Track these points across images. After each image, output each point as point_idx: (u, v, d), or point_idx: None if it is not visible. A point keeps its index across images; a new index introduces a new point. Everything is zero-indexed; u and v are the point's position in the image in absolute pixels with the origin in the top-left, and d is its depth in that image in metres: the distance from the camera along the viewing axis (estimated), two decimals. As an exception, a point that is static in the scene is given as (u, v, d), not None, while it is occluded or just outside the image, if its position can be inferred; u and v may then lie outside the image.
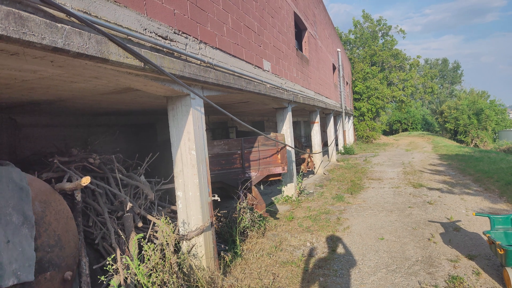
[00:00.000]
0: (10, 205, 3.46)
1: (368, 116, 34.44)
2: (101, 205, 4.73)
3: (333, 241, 6.52)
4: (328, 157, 19.56)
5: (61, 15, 2.84)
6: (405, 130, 58.06)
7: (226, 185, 8.27)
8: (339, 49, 24.68)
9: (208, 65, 5.26)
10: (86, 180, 3.89)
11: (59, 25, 2.76)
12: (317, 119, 15.13)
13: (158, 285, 3.87)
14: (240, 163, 8.03)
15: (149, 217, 4.96)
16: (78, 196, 4.16)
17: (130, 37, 3.64)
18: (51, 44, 2.67)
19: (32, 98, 5.12)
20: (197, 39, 5.08)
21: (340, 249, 6.08)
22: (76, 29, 2.91)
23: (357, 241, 6.42)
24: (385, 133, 51.57)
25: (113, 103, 6.67)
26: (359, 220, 7.79)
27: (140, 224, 4.74)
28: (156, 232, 4.99)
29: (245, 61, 7.03)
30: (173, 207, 5.63)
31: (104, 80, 4.10)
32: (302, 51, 14.00)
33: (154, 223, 5.01)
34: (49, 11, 2.74)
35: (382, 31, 39.70)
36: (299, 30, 13.99)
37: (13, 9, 2.41)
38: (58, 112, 7.50)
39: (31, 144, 7.50)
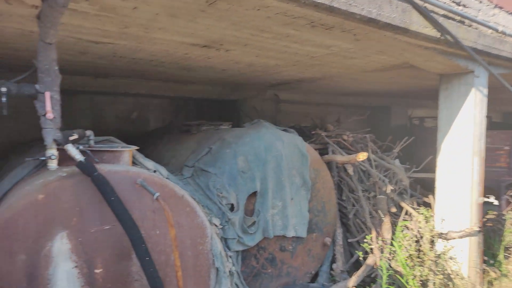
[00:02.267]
0: (294, 167, 3.92)
1: None
2: (354, 182, 4.80)
3: None
4: None
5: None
6: None
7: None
8: None
9: (501, 35, 4.24)
10: (363, 156, 3.95)
11: (374, -5, 2.71)
12: None
13: (420, 281, 3.54)
14: (506, 161, 6.43)
15: (402, 204, 4.66)
16: (350, 170, 4.33)
17: (426, 4, 3.27)
18: (366, 14, 2.66)
19: (302, 76, 5.71)
20: (491, 3, 4.15)
21: None
22: (386, -2, 2.80)
23: None
24: None
25: (363, 82, 6.63)
26: None
27: (393, 209, 4.52)
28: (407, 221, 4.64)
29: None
30: (425, 199, 5.10)
31: (384, 56, 3.97)
32: None
33: (406, 211, 4.67)
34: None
35: None
36: None
37: (344, -18, 2.49)
38: (308, 90, 8.24)
39: (284, 118, 8.62)
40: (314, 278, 4.30)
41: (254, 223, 3.56)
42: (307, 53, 4.02)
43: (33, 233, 2.15)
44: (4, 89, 2.06)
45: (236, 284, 3.29)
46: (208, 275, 2.92)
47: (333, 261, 4.38)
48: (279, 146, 3.90)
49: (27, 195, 2.20)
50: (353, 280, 3.86)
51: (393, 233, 4.34)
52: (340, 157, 4.34)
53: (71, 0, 2.42)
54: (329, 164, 4.66)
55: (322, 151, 5.09)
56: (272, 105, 8.25)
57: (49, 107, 2.16)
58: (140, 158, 3.24)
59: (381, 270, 3.54)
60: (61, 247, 2.20)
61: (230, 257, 3.23)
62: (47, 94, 2.16)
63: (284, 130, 4.33)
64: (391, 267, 3.79)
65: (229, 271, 3.13)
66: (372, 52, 3.87)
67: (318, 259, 4.25)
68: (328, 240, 4.24)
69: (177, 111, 7.82)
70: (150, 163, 3.23)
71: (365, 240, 4.08)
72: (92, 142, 2.97)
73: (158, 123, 7.58)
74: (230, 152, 3.73)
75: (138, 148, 3.17)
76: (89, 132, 2.94)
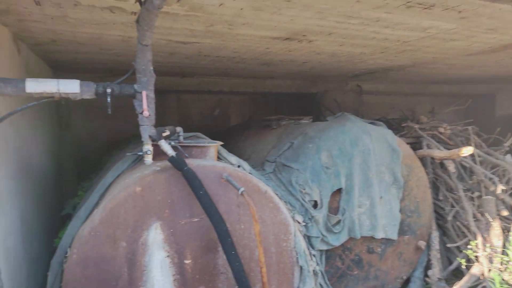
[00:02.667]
0: (384, 163, 3.61)
1: None
2: (454, 180, 4.25)
3: None
4: None
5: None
6: None
7: None
8: None
9: None
10: (468, 151, 3.47)
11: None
12: None
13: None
14: None
15: (516, 207, 3.97)
16: (451, 167, 3.86)
17: (556, -33, 2.67)
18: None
19: (390, 64, 5.25)
20: None
21: None
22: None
23: None
24: None
25: (462, 67, 5.85)
26: None
27: (504, 213, 3.88)
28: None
29: None
30: (546, 202, 4.27)
31: (494, 34, 3.40)
32: None
33: (521, 217, 3.97)
34: None
35: None
36: None
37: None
38: (395, 79, 7.60)
39: (367, 110, 8.10)
40: (405, 284, 3.94)
41: (339, 222, 3.38)
42: (398, 38, 3.65)
43: (132, 223, 2.33)
44: (109, 90, 2.26)
45: (320, 284, 3.16)
46: (292, 272, 2.85)
47: (428, 267, 3.96)
48: (366, 140, 3.63)
49: (127, 187, 2.40)
50: (454, 291, 3.43)
51: (505, 240, 3.74)
52: (438, 152, 3.86)
53: (165, 3, 2.57)
54: (422, 159, 4.21)
55: (414, 146, 4.62)
56: (354, 97, 7.83)
57: (146, 105, 2.30)
58: (224, 153, 3.31)
59: (492, 282, 3.06)
60: (155, 236, 2.35)
61: (314, 256, 3.12)
62: (144, 93, 2.30)
63: (371, 123, 4.02)
64: (504, 280, 3.26)
65: (313, 271, 3.02)
66: (479, 31, 3.33)
67: (410, 264, 3.88)
68: (422, 243, 3.83)
69: (256, 106, 7.93)
70: (233, 158, 3.28)
71: (468, 246, 3.58)
72: (181, 138, 3.12)
73: (238, 118, 7.78)
74: (313, 147, 3.60)
75: (222, 143, 3.25)
76: (179, 129, 3.09)
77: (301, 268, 2.89)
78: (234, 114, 7.70)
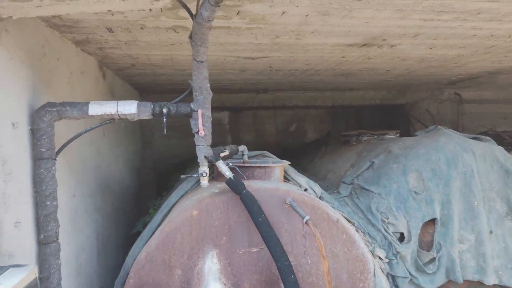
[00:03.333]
0: (494, 189, 2.88)
1: None
2: None
3: None
4: None
5: None
6: None
7: None
8: None
9: None
10: None
11: None
12: None
13: None
14: None
15: None
16: None
17: None
18: None
19: (498, 66, 4.36)
20: None
21: None
22: None
23: None
24: None
25: None
26: None
27: None
28: None
29: None
30: None
31: None
32: None
33: None
34: None
35: None
36: None
37: None
38: (506, 84, 6.38)
39: (470, 122, 6.96)
40: None
41: (433, 260, 2.76)
42: (509, 33, 2.94)
43: (188, 249, 2.19)
44: (165, 110, 2.19)
45: (409, 336, 2.59)
46: (371, 320, 2.38)
47: None
48: (469, 159, 2.95)
49: (184, 211, 2.28)
50: None
51: None
52: None
53: (224, 17, 2.46)
54: (551, 184, 3.28)
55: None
56: (452, 107, 6.81)
57: (201, 124, 2.17)
58: (293, 173, 3.02)
59: None
60: (211, 266, 2.16)
61: (400, 301, 2.57)
62: (199, 112, 2.18)
63: (474, 138, 3.30)
64: None
65: (399, 319, 2.48)
66: None
67: (538, 322, 2.98)
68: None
69: (335, 120, 7.47)
70: (302, 179, 2.96)
71: None
72: (246, 157, 2.94)
73: (315, 134, 7.41)
74: (398, 167, 3.06)
75: (289, 163, 2.96)
76: (242, 148, 2.92)
77: (383, 315, 2.39)
78: (311, 129, 7.35)
